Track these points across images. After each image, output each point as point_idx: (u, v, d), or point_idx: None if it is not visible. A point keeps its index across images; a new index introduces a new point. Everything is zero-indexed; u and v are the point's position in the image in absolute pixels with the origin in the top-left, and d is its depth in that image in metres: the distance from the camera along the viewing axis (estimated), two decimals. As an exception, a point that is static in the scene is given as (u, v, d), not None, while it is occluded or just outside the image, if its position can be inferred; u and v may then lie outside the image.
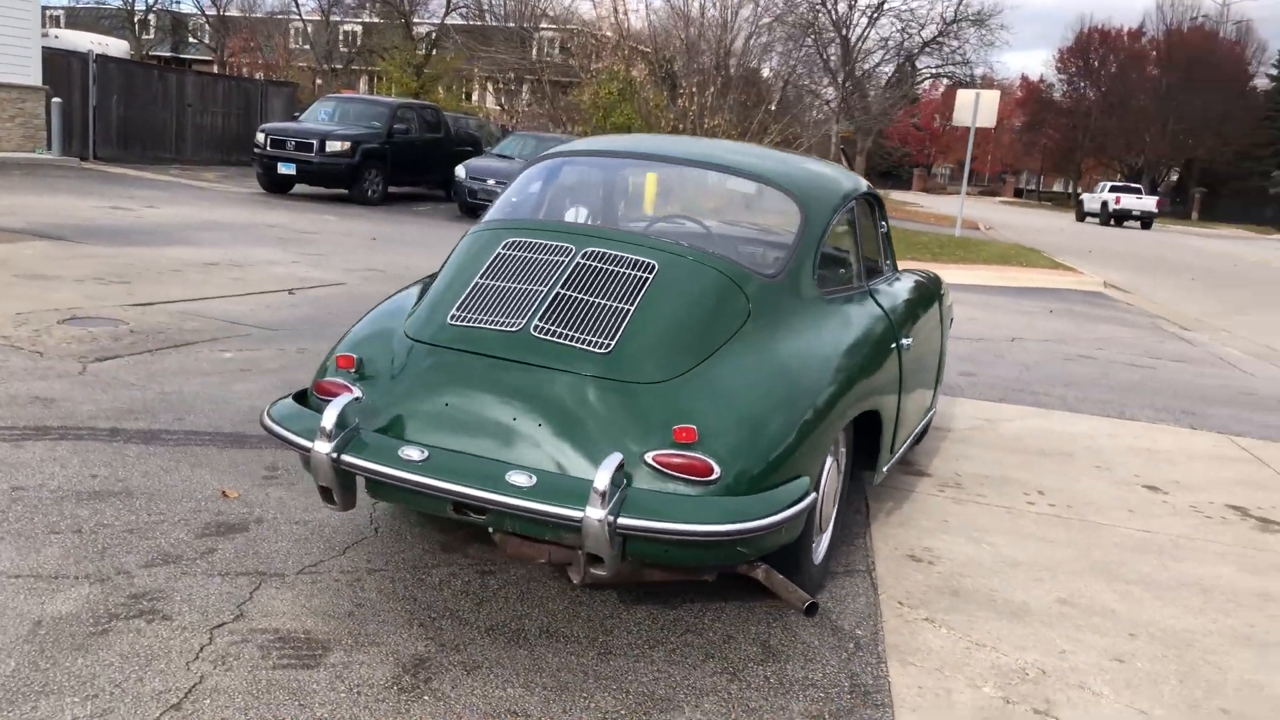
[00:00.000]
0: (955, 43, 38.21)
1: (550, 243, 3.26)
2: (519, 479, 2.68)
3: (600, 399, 2.84)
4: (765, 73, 28.94)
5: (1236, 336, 12.30)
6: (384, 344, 3.13)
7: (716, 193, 4.25)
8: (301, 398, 3.20)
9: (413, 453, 2.77)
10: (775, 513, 2.70)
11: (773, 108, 25.46)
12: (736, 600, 3.35)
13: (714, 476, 2.70)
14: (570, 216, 4.03)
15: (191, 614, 2.93)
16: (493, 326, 3.01)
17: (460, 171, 17.75)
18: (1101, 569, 4.02)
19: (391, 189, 18.34)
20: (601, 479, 2.55)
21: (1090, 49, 58.37)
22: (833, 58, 33.76)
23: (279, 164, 17.08)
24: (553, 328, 2.97)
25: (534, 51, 35.91)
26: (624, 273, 3.12)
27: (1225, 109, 51.62)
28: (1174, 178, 60.69)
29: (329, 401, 3.00)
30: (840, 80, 25.54)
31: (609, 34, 23.55)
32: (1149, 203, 42.58)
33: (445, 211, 18.16)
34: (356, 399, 2.90)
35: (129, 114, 20.83)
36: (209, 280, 8.40)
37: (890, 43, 35.79)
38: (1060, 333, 11.02)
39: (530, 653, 2.92)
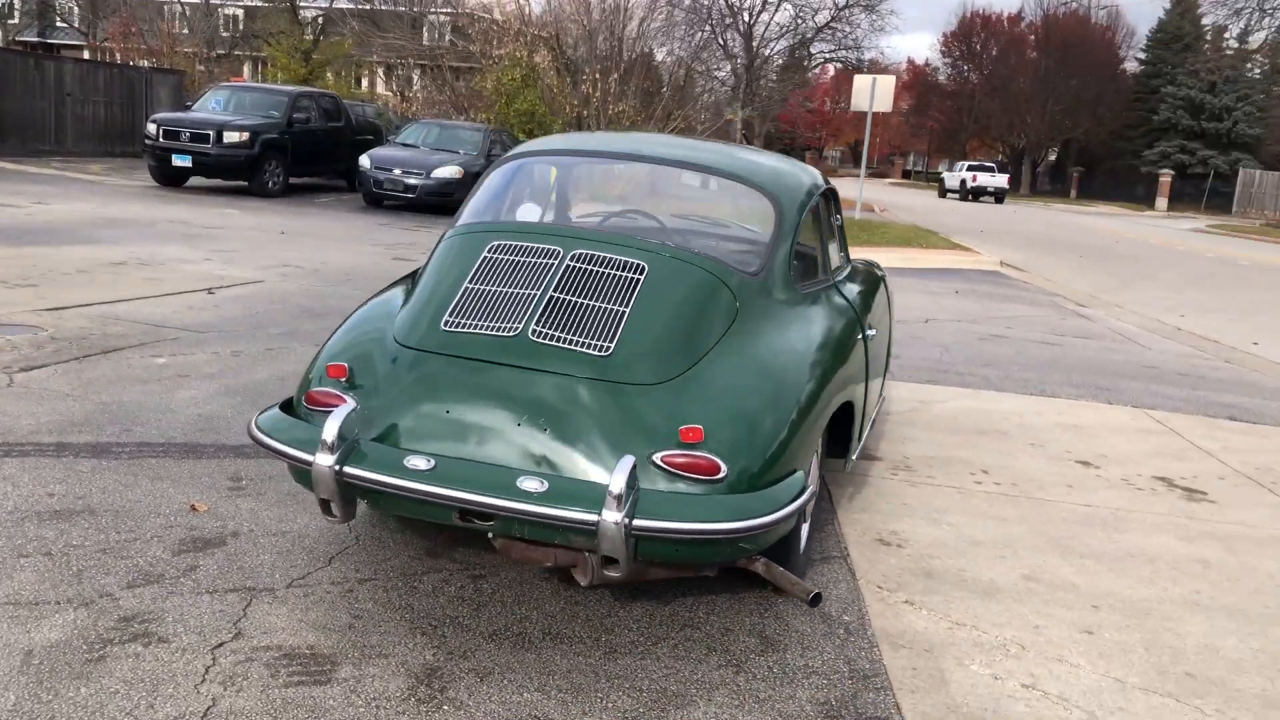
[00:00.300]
0: (847, 28, 38.91)
1: (537, 245, 3.26)
2: (530, 484, 2.69)
3: (603, 401, 2.86)
4: (662, 57, 29.04)
5: (1129, 311, 12.91)
6: (373, 351, 3.09)
7: (689, 191, 4.29)
8: (287, 407, 3.14)
9: (419, 462, 2.75)
10: (781, 508, 2.77)
11: (671, 93, 25.56)
12: (726, 593, 3.42)
13: (721, 475, 2.76)
14: (545, 217, 4.02)
15: (188, 635, 2.86)
16: (488, 331, 3.00)
17: (364, 161, 17.40)
18: (1055, 544, 4.21)
19: (292, 180, 17.86)
20: (617, 482, 2.58)
21: (973, 33, 60.16)
22: (731, 43, 34.07)
23: (173, 156, 16.46)
24: (550, 331, 2.98)
25: (425, 36, 35.31)
26: (614, 274, 3.15)
27: (1099, 91, 53.86)
28: (1052, 157, 63.03)
29: (320, 412, 2.96)
30: (742, 65, 25.79)
31: (510, 20, 23.31)
32: (1001, 180, 46.38)
33: (349, 202, 17.78)
34: (354, 409, 2.86)
35: (3, 105, 19.82)
36: (120, 281, 8.09)
37: (786, 29, 36.26)
38: (969, 313, 11.41)
39: (537, 656, 2.94)
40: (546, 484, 2.69)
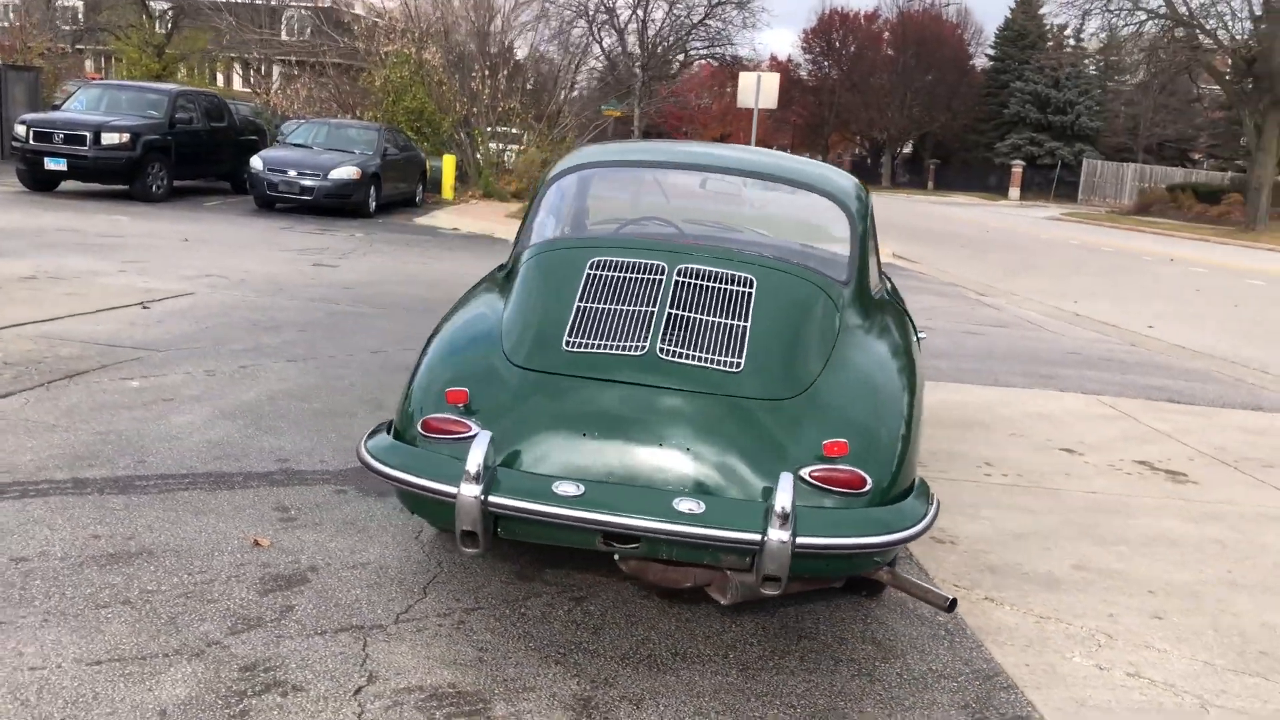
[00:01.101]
0: (720, 24, 39.48)
1: (640, 261, 3.21)
2: (687, 505, 2.66)
3: (742, 418, 2.85)
4: (544, 52, 28.83)
5: (1026, 299, 13.51)
6: (488, 374, 2.99)
7: (759, 200, 4.28)
8: (378, 432, 3.03)
9: (569, 488, 2.69)
10: (923, 518, 2.82)
11: (565, 92, 25.44)
12: (820, 600, 3.45)
13: (866, 489, 2.78)
14: (623, 230, 3.96)
15: (320, 681, 2.73)
16: (615, 351, 2.94)
17: (256, 163, 16.72)
18: (1085, 533, 4.40)
19: (175, 183, 17.03)
20: (782, 501, 2.57)
21: (832, 30, 61.82)
22: (607, 41, 34.11)
23: (45, 159, 15.44)
24: (677, 349, 2.94)
25: (284, 31, 34.08)
26: (725, 289, 3.13)
27: (953, 86, 56.22)
28: (908, 150, 65.34)
29: (440, 440, 2.86)
30: (638, 65, 25.82)
31: (395, 16, 22.76)
32: None
33: (239, 205, 17.06)
34: (491, 437, 2.77)
35: None
36: (42, 297, 7.58)
37: (663, 26, 36.51)
38: (891, 305, 11.73)
39: (677, 678, 2.91)
40: (703, 505, 2.66)
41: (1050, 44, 53.48)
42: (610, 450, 2.80)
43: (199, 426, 4.76)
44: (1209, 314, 13.55)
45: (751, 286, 3.15)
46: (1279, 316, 14.01)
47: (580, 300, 3.10)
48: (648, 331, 2.99)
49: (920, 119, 56.52)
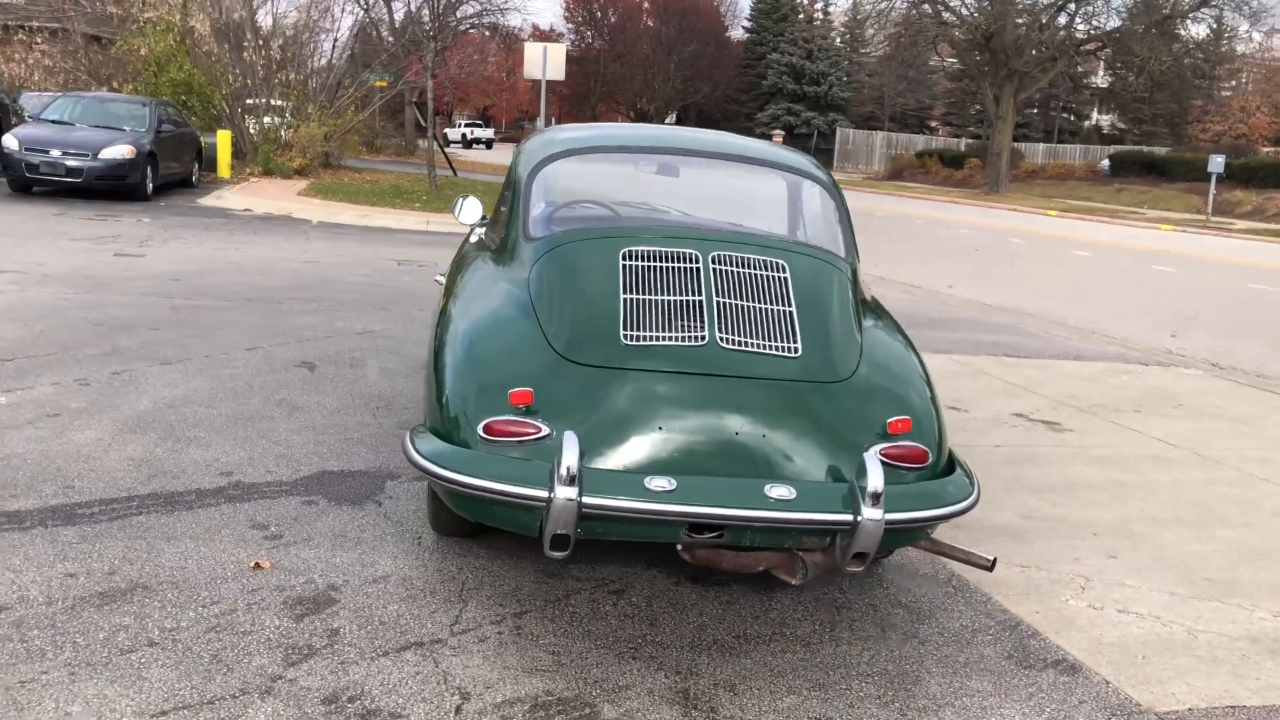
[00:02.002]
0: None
1: (673, 250, 3.19)
2: (779, 492, 2.70)
3: (809, 402, 2.92)
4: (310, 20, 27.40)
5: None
6: (546, 373, 2.90)
7: (746, 184, 4.25)
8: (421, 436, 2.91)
9: (662, 483, 2.67)
10: (974, 489, 2.99)
11: (335, 61, 24.33)
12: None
13: (929, 462, 2.93)
14: (630, 215, 3.89)
15: (415, 705, 2.60)
16: (675, 343, 2.93)
17: (10, 142, 15.02)
18: (1014, 484, 4.76)
19: (-89, 167, 15.09)
20: (874, 481, 2.66)
21: (593, 1, 62.18)
22: (375, 6, 32.83)
23: None
24: (735, 337, 2.96)
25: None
26: (761, 275, 3.17)
27: (714, 58, 57.97)
28: (671, 120, 66.81)
29: (507, 442, 2.78)
30: (425, 34, 24.74)
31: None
32: (489, 132, 59.97)
33: (-8, 190, 15.33)
34: (573, 437, 2.70)
35: None
36: None
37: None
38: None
39: (751, 659, 2.96)
40: (794, 490, 2.71)
41: (801, 16, 56.05)
42: (687, 442, 2.81)
43: (109, 443, 4.33)
44: (993, 272, 14.76)
45: (784, 271, 3.21)
46: (1049, 272, 15.45)
47: (625, 292, 3.06)
48: (702, 321, 2.99)
49: (685, 89, 57.92)
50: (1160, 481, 4.98)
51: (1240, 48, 51.39)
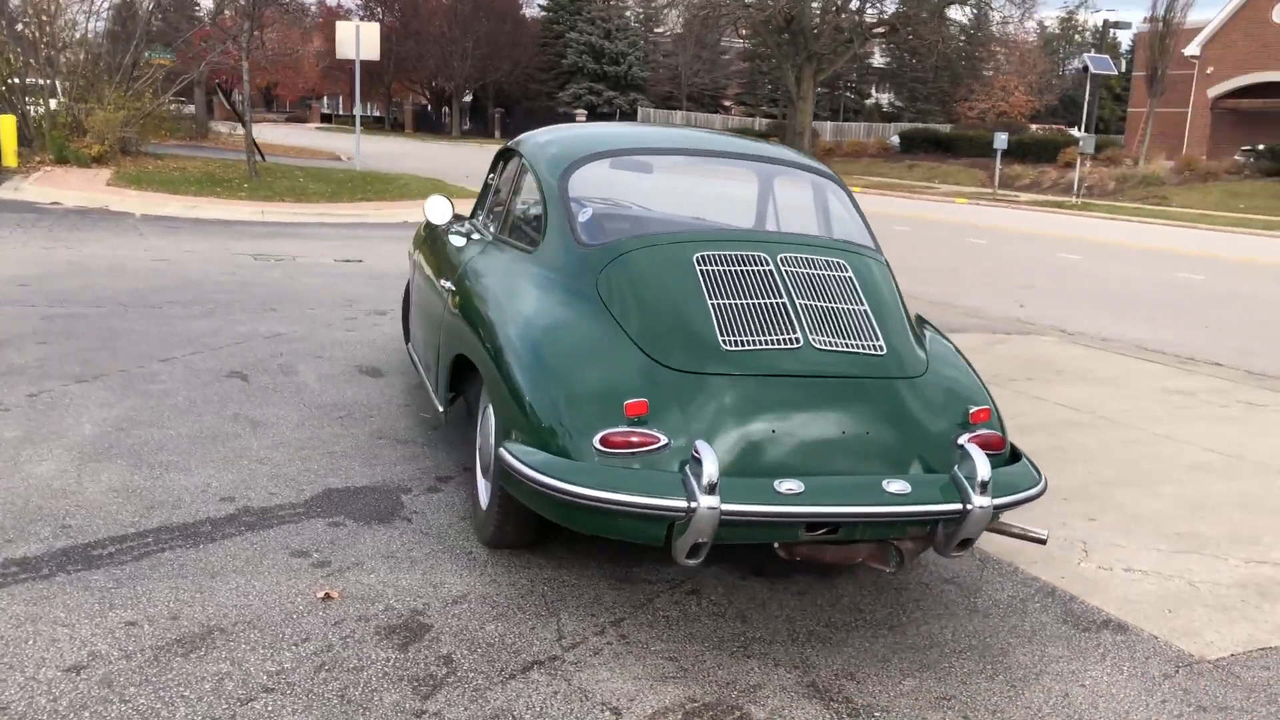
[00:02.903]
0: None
1: (743, 253, 3.24)
2: (896, 487, 2.82)
3: (901, 396, 3.05)
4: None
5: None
6: (650, 383, 2.91)
7: (774, 185, 4.25)
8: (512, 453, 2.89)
9: (792, 485, 2.74)
10: (1041, 474, 3.20)
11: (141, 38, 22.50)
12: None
13: (1005, 449, 3.12)
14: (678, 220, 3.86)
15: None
16: (772, 346, 2.99)
17: None
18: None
19: None
20: (982, 471, 2.83)
21: (383, -25, 60.21)
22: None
23: None
24: (825, 337, 3.05)
25: None
26: (828, 275, 3.27)
27: (512, 36, 57.35)
28: (468, 99, 65.76)
29: (628, 454, 2.78)
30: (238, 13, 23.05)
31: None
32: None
33: None
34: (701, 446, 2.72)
35: None
36: None
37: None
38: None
39: (853, 647, 3.08)
40: (908, 485, 2.84)
41: (596, -2, 56.28)
42: (800, 444, 2.89)
43: (77, 474, 3.99)
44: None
45: (847, 270, 3.32)
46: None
47: (712, 298, 3.09)
48: (791, 323, 3.06)
49: (484, 67, 57.06)
50: (1089, 445, 5.43)
51: (1010, 29, 55.18)
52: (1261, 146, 31.47)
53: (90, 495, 3.80)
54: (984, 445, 3.05)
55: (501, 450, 2.97)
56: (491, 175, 4.75)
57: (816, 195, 4.02)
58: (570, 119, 54.62)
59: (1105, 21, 41.01)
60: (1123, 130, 46.26)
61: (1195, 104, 39.03)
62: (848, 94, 58.77)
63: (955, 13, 43.98)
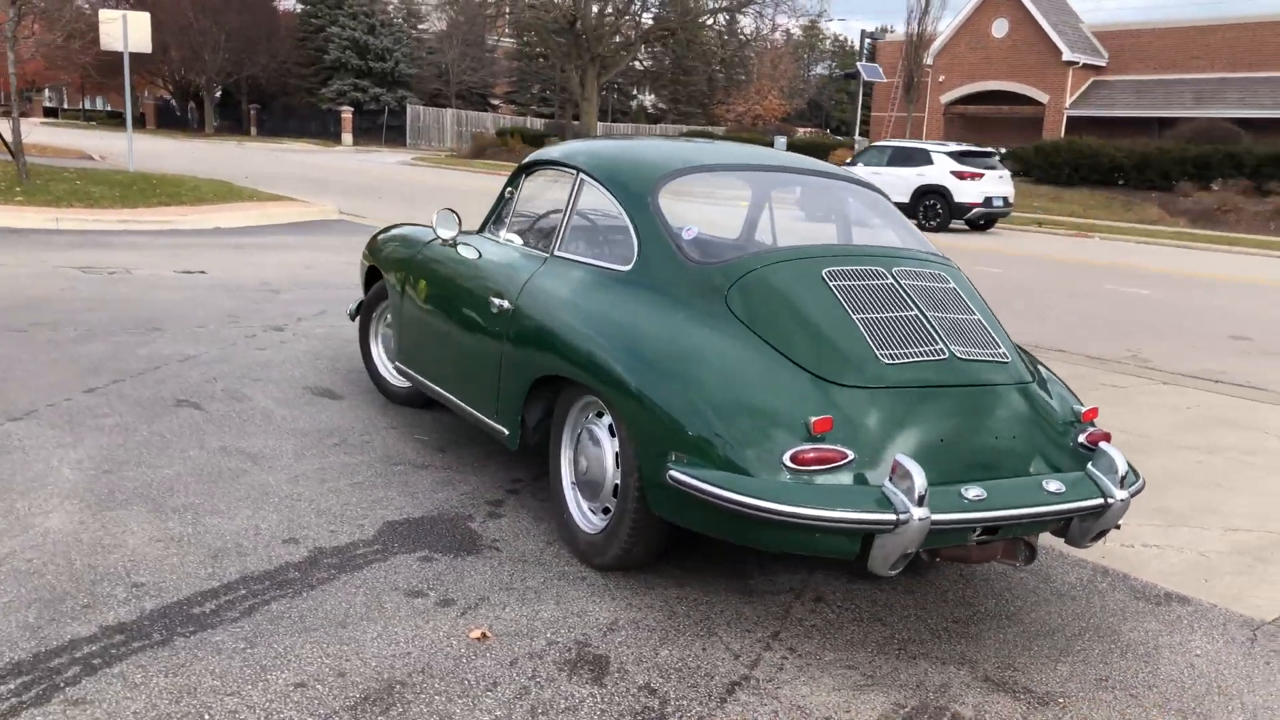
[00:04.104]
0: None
1: (864, 267, 3.34)
2: (1054, 486, 3.02)
3: (1032, 400, 3.25)
4: None
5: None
6: (826, 399, 2.96)
7: (845, 198, 4.24)
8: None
9: (977, 491, 2.88)
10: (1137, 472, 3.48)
11: None
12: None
13: (1105, 445, 3.39)
14: (757, 235, 3.83)
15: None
16: (924, 358, 3.11)
17: None
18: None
19: None
20: (1121, 465, 3.08)
21: (119, -40, 55.56)
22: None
23: None
24: (962, 348, 3.20)
25: None
26: (938, 286, 3.42)
27: (267, 29, 54.47)
28: (218, 94, 61.99)
29: (815, 470, 2.84)
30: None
31: None
32: None
33: None
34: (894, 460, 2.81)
35: None
36: None
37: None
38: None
39: (996, 639, 3.25)
40: (1063, 484, 3.04)
41: (356, -9, 54.39)
42: (966, 451, 3.03)
43: (101, 527, 3.59)
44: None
45: (948, 281, 3.49)
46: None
47: (856, 313, 3.17)
48: (930, 335, 3.20)
49: (239, 61, 53.89)
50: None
51: (763, 33, 57.81)
52: (1005, 150, 34.67)
53: (136, 548, 3.43)
54: (1094, 441, 3.31)
55: (673, 472, 2.94)
56: (510, 189, 4.61)
57: (880, 208, 4.14)
58: (334, 116, 52.56)
59: (863, 32, 43.95)
60: (867, 133, 49.69)
61: (931, 108, 42.52)
62: (615, 95, 59.81)
63: (710, 19, 45.75)
